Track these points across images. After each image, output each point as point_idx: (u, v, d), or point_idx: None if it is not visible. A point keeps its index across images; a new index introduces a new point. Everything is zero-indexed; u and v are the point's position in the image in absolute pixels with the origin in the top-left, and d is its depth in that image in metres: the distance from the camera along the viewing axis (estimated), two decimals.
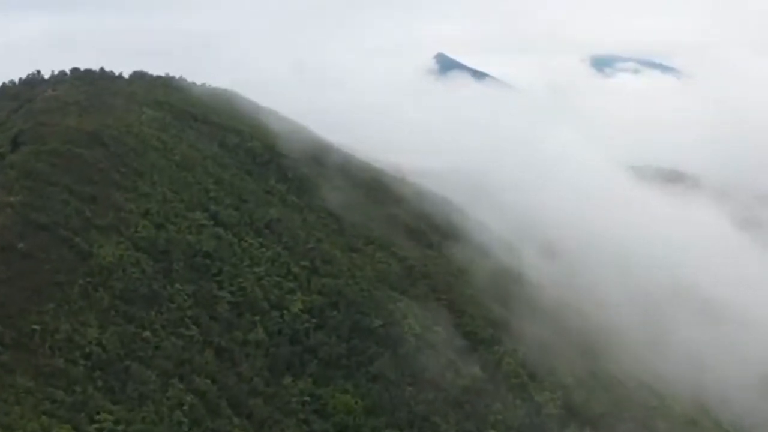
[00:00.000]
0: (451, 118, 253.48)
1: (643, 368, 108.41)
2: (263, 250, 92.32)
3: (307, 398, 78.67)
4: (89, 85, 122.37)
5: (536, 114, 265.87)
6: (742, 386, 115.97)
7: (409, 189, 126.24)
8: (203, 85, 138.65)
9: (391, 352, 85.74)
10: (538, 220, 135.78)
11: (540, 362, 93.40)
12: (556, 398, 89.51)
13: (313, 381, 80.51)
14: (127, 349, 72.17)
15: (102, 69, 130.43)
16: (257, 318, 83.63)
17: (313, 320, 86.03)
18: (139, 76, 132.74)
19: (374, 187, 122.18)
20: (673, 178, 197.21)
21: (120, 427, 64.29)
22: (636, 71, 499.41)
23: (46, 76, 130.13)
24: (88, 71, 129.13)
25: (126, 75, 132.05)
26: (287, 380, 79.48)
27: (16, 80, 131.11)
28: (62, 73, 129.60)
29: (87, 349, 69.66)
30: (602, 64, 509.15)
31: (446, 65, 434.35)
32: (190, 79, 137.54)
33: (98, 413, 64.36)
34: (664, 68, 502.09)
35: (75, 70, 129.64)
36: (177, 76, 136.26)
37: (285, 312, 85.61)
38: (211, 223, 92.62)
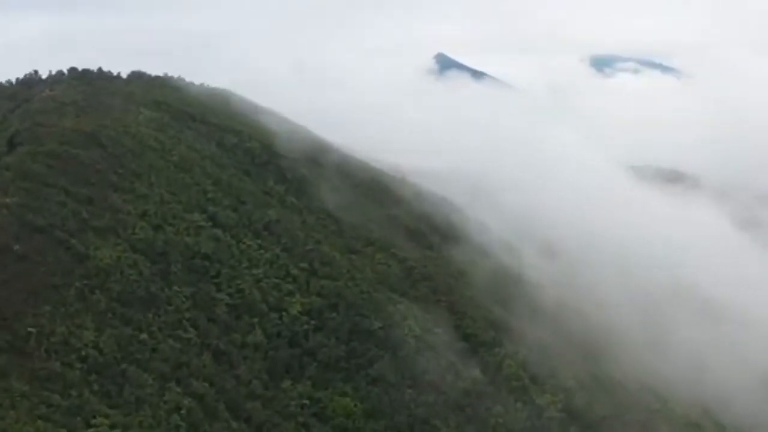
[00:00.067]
0: (451, 118, 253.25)
1: (644, 369, 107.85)
2: (262, 251, 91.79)
3: (306, 401, 78.30)
4: (87, 85, 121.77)
5: (536, 114, 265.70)
6: (742, 387, 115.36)
7: (408, 190, 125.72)
8: (201, 85, 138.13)
9: (390, 355, 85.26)
10: (538, 221, 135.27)
11: (541, 365, 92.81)
12: (557, 401, 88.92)
13: (312, 384, 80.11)
14: (124, 352, 71.69)
15: (100, 69, 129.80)
16: (256, 320, 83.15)
17: (312, 322, 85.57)
18: (137, 76, 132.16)
19: (374, 188, 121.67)
20: (673, 178, 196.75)
21: None
22: (636, 71, 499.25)
23: (44, 76, 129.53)
24: (85, 71, 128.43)
25: (125, 75, 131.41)
26: (286, 383, 79.04)
27: (14, 80, 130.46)
28: (60, 73, 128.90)
29: (83, 353, 69.18)
30: (602, 64, 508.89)
31: (446, 65, 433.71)
32: (190, 79, 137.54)
33: (94, 417, 63.96)
34: (664, 68, 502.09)
35: (72, 70, 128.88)
36: (176, 76, 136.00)
37: (284, 314, 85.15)
38: (209, 224, 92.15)
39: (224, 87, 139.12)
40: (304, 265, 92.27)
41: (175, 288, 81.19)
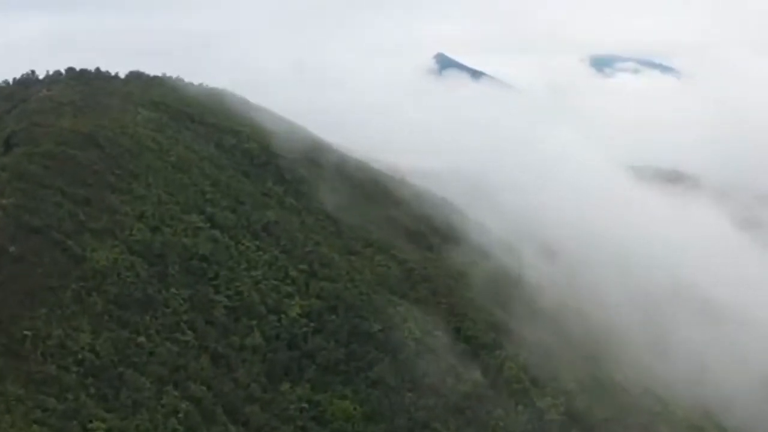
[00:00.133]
0: (451, 118, 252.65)
1: (645, 371, 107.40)
2: (260, 253, 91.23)
3: (305, 404, 77.87)
4: (84, 86, 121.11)
5: (536, 114, 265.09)
6: (743, 387, 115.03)
7: (408, 190, 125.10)
8: (200, 85, 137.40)
9: (390, 357, 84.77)
10: (537, 221, 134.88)
11: (542, 367, 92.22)
12: (558, 404, 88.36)
13: (311, 387, 79.65)
14: (121, 355, 71.23)
15: (98, 69, 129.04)
16: (254, 322, 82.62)
17: (312, 325, 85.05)
18: (135, 76, 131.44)
19: (373, 189, 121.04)
20: (673, 178, 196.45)
21: None
22: (636, 71, 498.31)
23: (41, 76, 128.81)
24: (83, 71, 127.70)
25: (123, 75, 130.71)
26: (285, 386, 78.59)
27: (11, 80, 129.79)
28: (57, 73, 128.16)
29: (80, 356, 68.75)
30: (602, 64, 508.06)
31: (446, 65, 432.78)
32: (189, 79, 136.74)
33: (91, 421, 63.63)
34: (664, 68, 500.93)
35: (70, 70, 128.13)
36: (176, 76, 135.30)
37: (282, 316, 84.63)
38: (208, 225, 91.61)
39: (224, 87, 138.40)
40: (303, 266, 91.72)
41: (173, 290, 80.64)
